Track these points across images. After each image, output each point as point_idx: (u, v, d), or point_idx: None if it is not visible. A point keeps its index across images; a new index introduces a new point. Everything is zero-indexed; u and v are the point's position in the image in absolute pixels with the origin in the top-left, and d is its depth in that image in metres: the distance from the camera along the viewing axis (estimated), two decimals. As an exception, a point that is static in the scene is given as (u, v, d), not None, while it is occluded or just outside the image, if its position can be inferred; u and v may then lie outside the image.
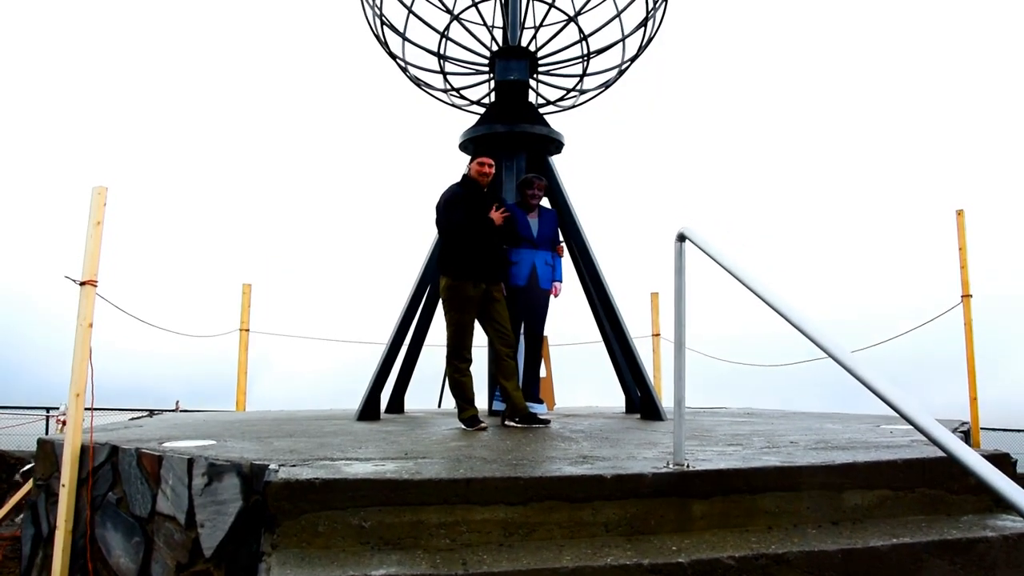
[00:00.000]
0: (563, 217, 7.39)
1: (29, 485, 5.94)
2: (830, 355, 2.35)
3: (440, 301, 5.97)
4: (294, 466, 3.23)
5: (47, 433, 12.53)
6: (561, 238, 6.99)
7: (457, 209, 5.76)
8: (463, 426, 5.58)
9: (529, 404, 6.06)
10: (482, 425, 5.54)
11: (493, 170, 5.96)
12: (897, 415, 2.14)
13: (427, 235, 7.58)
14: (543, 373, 8.20)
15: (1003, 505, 1.82)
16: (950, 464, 1.95)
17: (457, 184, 5.96)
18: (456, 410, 5.79)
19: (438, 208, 5.84)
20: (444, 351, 5.82)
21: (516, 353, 5.99)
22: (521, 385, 6.23)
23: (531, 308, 6.64)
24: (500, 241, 6.04)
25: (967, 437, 5.92)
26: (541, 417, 5.79)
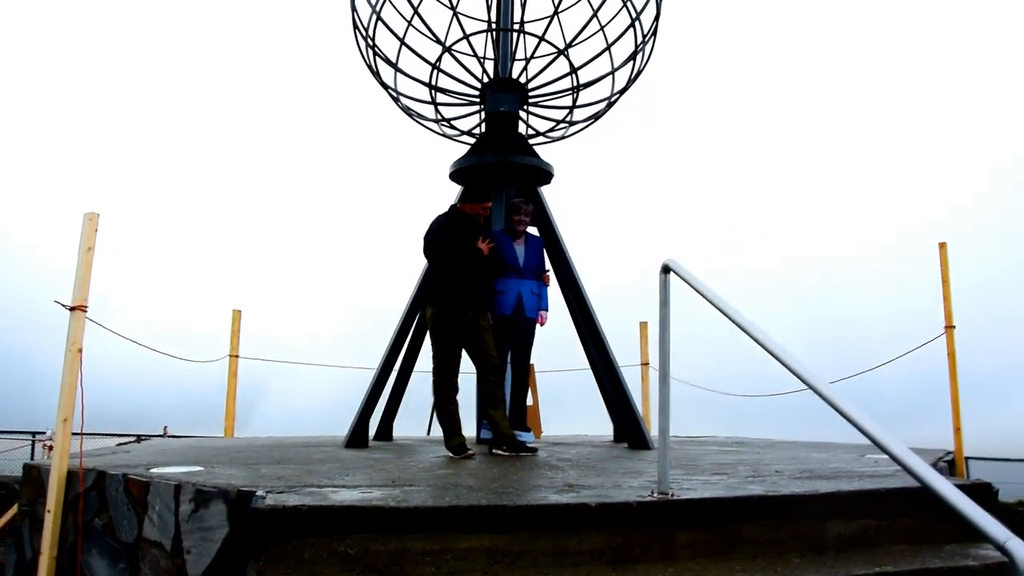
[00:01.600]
0: (553, 247, 7.45)
1: (13, 511, 5.90)
2: (808, 385, 2.39)
3: (427, 330, 6.00)
4: (281, 492, 3.24)
5: (32, 458, 12.43)
6: (548, 266, 7.03)
7: (446, 238, 5.82)
8: (451, 454, 5.58)
9: (516, 432, 6.08)
10: (470, 453, 5.55)
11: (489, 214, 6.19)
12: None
13: (417, 262, 7.63)
14: (529, 401, 8.21)
15: (981, 535, 1.86)
16: (935, 495, 1.99)
17: (445, 215, 6.03)
18: (444, 438, 5.80)
19: (427, 237, 5.88)
20: (432, 379, 5.85)
21: (503, 381, 6.02)
22: (508, 413, 6.25)
23: (518, 337, 6.67)
24: (487, 271, 6.09)
25: (951, 467, 5.96)
26: (528, 445, 5.81)
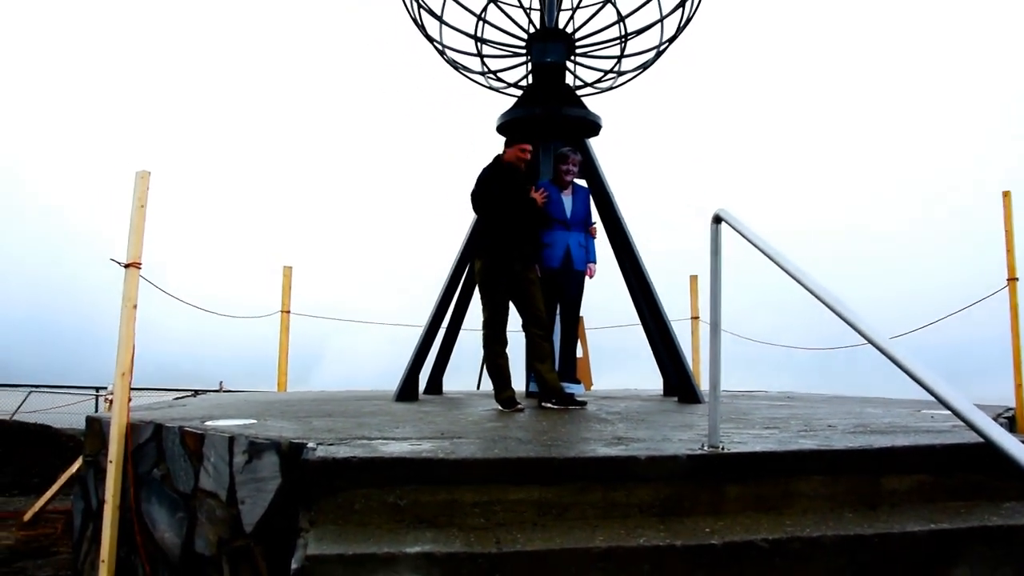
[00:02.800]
0: (601, 200, 7.36)
1: (79, 462, 6.11)
2: (866, 338, 2.32)
3: (476, 283, 5.99)
4: (331, 445, 3.28)
5: (96, 411, 12.88)
6: (595, 218, 6.94)
7: (493, 188, 5.77)
8: (500, 407, 5.61)
9: (566, 385, 6.07)
10: (519, 407, 5.57)
11: (530, 156, 5.97)
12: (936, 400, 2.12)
13: (465, 216, 7.61)
14: (579, 354, 8.20)
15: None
16: (991, 450, 1.92)
17: (490, 165, 5.95)
18: (493, 391, 5.82)
19: (474, 188, 5.83)
20: (482, 332, 5.86)
21: (551, 335, 6.00)
22: (558, 366, 6.24)
23: (566, 290, 6.62)
24: (535, 223, 6.04)
25: (1012, 423, 5.80)
26: (578, 398, 5.80)
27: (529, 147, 5.93)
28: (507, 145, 6.00)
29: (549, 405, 5.69)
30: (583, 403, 5.81)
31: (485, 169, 5.90)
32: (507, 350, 5.87)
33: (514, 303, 5.86)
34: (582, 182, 7.12)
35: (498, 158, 5.99)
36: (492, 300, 5.77)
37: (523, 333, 5.93)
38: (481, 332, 5.85)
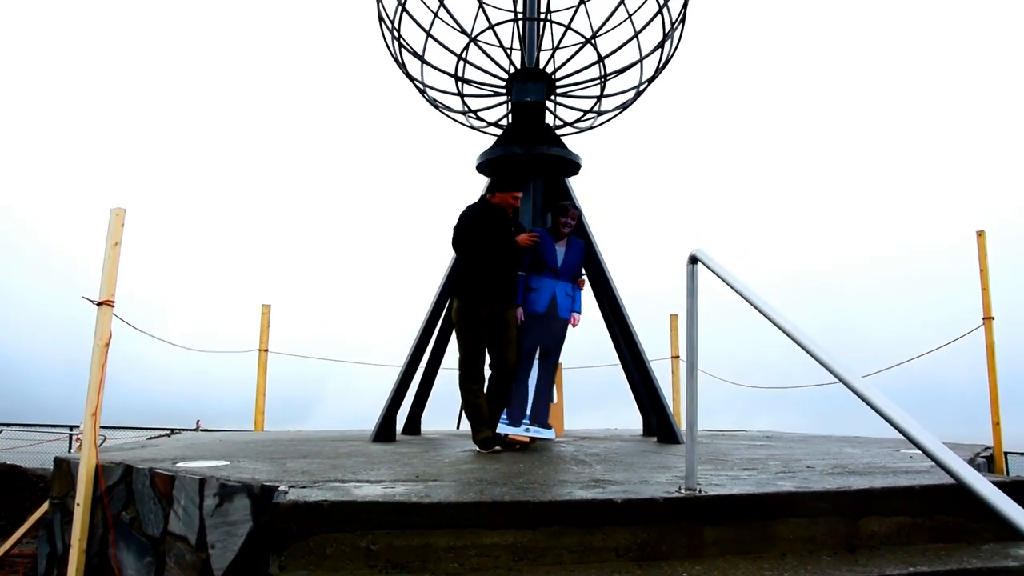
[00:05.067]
0: (580, 238, 7.38)
1: (45, 505, 5.97)
2: (839, 378, 2.32)
3: (453, 323, 5.95)
4: (304, 487, 3.23)
5: (70, 450, 12.64)
6: (583, 273, 6.94)
7: (475, 230, 5.73)
8: (478, 448, 5.54)
9: (538, 429, 6.02)
10: (497, 448, 5.50)
11: (519, 204, 6.01)
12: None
13: (444, 254, 7.59)
14: (554, 400, 8.15)
15: (1021, 534, 1.77)
16: (970, 491, 1.91)
17: (475, 205, 5.93)
18: (471, 432, 5.75)
19: (456, 228, 5.81)
20: (458, 372, 5.81)
21: (509, 377, 5.89)
22: (530, 409, 6.03)
23: (549, 335, 6.59)
24: (515, 267, 5.92)
25: (990, 463, 5.81)
26: (521, 438, 5.78)
27: (520, 195, 5.97)
28: (492, 186, 5.98)
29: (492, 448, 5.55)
30: (512, 445, 5.75)
31: (469, 208, 5.89)
32: (484, 390, 5.81)
33: (488, 344, 5.81)
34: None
35: (483, 198, 5.99)
36: (468, 339, 5.74)
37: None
38: (457, 371, 5.80)
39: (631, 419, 8.80)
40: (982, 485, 1.83)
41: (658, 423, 7.11)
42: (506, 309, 5.80)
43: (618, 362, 7.78)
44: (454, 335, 5.98)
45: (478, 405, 5.73)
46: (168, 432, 11.14)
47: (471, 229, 5.74)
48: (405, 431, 7.73)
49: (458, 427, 9.41)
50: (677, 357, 10.10)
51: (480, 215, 5.81)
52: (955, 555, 3.14)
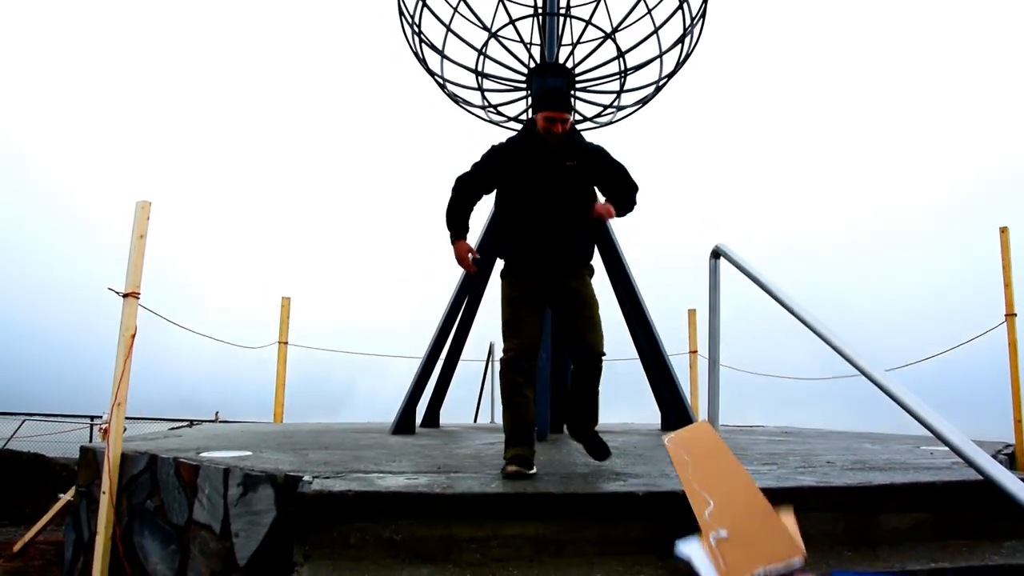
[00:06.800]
0: (600, 233, 7.38)
1: (71, 492, 6.05)
2: (862, 372, 2.32)
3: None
4: (327, 478, 3.26)
5: (91, 440, 12.79)
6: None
7: (488, 167, 4.14)
8: (505, 466, 3.68)
9: None
10: (531, 471, 3.67)
11: (563, 126, 3.99)
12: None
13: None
14: None
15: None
16: (991, 488, 1.90)
17: (513, 138, 4.24)
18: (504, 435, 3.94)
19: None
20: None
21: (596, 368, 4.14)
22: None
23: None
24: (569, 212, 4.05)
25: (1012, 460, 5.77)
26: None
27: (556, 116, 3.96)
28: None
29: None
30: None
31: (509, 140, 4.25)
32: (531, 389, 3.93)
33: (556, 326, 4.43)
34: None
35: (526, 126, 4.27)
36: (508, 314, 3.99)
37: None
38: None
39: (646, 414, 8.81)
40: (1011, 482, 1.83)
41: (677, 418, 7.11)
42: (571, 277, 4.03)
43: (637, 356, 7.79)
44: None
45: (517, 405, 3.88)
46: (189, 423, 11.26)
47: (476, 167, 4.16)
48: (424, 424, 7.77)
49: (475, 420, 9.45)
50: (695, 352, 10.07)
51: (510, 146, 4.14)
52: (977, 551, 3.12)
